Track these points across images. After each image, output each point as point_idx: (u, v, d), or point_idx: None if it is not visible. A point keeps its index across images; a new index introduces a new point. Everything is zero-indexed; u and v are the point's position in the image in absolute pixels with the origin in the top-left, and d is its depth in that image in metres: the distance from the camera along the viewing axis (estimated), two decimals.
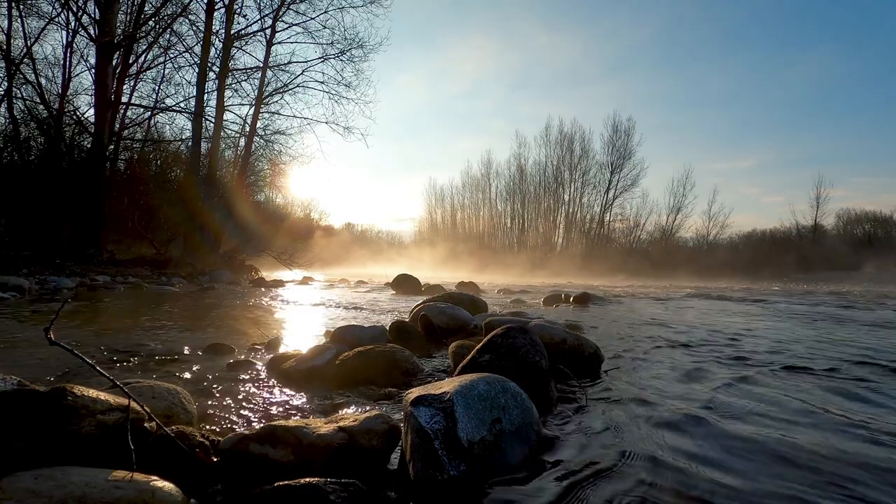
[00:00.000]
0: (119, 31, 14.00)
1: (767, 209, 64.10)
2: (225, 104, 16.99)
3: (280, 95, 18.73)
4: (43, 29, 14.93)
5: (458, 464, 1.16)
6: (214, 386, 2.04)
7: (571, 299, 7.82)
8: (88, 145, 14.41)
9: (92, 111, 14.24)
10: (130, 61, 15.30)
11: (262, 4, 17.55)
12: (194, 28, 16.94)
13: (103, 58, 13.10)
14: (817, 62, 67.59)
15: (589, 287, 14.23)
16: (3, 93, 14.18)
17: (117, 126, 15.85)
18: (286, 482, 1.07)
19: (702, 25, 73.70)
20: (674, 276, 32.88)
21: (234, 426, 1.57)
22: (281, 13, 17.76)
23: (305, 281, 15.32)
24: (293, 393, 1.98)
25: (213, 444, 1.25)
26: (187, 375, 2.23)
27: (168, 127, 21.30)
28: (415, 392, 1.34)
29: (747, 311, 6.61)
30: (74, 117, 15.72)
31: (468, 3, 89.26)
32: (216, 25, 16.53)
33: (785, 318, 5.63)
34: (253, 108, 17.92)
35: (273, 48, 17.89)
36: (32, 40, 14.70)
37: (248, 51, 22.17)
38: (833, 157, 59.59)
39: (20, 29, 14.54)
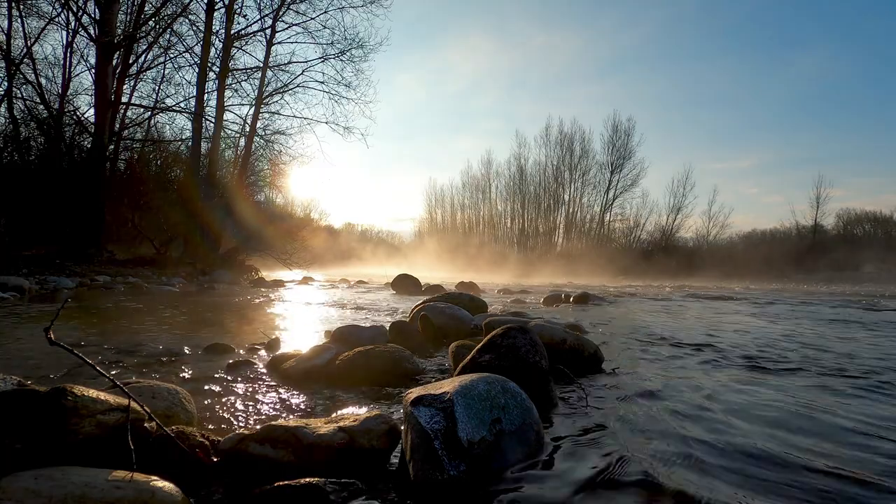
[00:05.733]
0: (119, 31, 13.98)
1: (767, 209, 64.11)
2: (225, 104, 16.99)
3: (280, 95, 18.72)
4: (43, 29, 14.95)
5: (458, 464, 1.16)
6: (214, 386, 2.04)
7: (571, 299, 7.82)
8: (88, 145, 14.40)
9: (92, 111, 14.24)
10: (130, 61, 15.28)
11: (262, 4, 17.56)
12: (194, 28, 16.95)
13: (103, 58, 13.08)
14: (817, 62, 67.60)
15: (589, 287, 14.23)
16: (3, 93, 14.18)
17: (117, 126, 15.84)
18: (286, 482, 1.07)
19: (701, 25, 73.66)
20: (674, 277, 32.87)
21: (234, 426, 1.57)
22: (281, 13, 17.76)
23: (305, 281, 15.32)
24: (293, 393, 1.98)
25: (213, 444, 1.25)
26: (187, 375, 2.23)
27: (168, 127, 21.25)
28: (415, 392, 1.34)
29: (746, 312, 6.61)
30: (74, 117, 15.73)
31: (465, 2, 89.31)
32: (216, 25, 16.54)
33: (784, 319, 5.62)
34: (253, 108, 17.92)
35: (273, 48, 17.89)
36: (32, 40, 14.71)
37: (248, 51, 22.19)
38: (833, 157, 59.58)
39: (20, 29, 14.56)
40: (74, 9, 13.76)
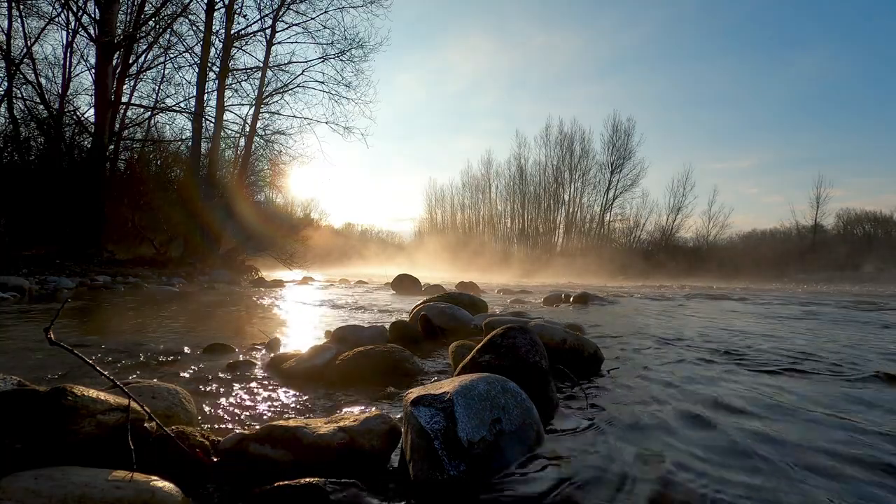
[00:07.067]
0: (119, 31, 13.98)
1: (767, 209, 64.15)
2: (225, 104, 16.99)
3: (280, 95, 18.73)
4: (43, 29, 14.95)
5: (458, 464, 1.16)
6: (214, 386, 2.04)
7: (571, 299, 7.82)
8: (88, 145, 14.41)
9: (92, 111, 14.25)
10: (130, 61, 15.29)
11: (262, 4, 17.57)
12: (194, 28, 16.96)
13: (103, 58, 13.08)
14: (817, 62, 67.62)
15: (589, 287, 14.23)
16: (3, 93, 14.18)
17: (117, 126, 15.83)
18: (286, 482, 1.07)
19: (701, 25, 73.80)
20: (674, 276, 32.88)
21: (234, 426, 1.57)
22: (281, 13, 17.77)
23: (305, 281, 15.32)
24: (293, 393, 1.98)
25: (213, 444, 1.25)
26: (187, 375, 2.23)
27: (168, 127, 21.23)
28: (415, 392, 1.34)
29: (747, 312, 6.61)
30: (74, 117, 15.72)
31: (465, 2, 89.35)
32: (216, 25, 16.55)
33: (784, 319, 5.62)
34: (253, 108, 17.93)
35: (273, 48, 17.89)
36: (32, 40, 14.72)
37: (248, 51, 22.18)
38: (833, 157, 59.61)
39: (20, 29, 14.56)
40: (74, 9, 13.78)
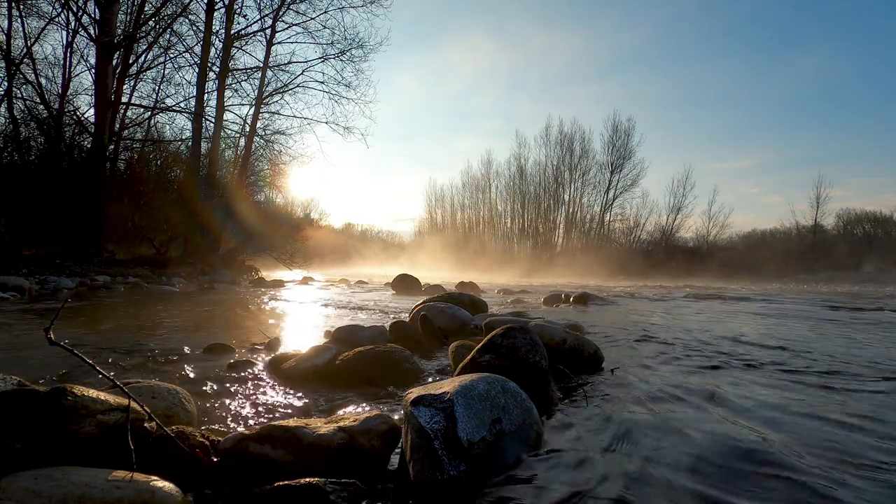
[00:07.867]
0: (119, 31, 13.96)
1: (767, 209, 64.01)
2: (225, 104, 16.98)
3: (280, 95, 18.71)
4: (43, 29, 14.93)
5: (458, 464, 1.16)
6: (214, 386, 2.04)
7: (571, 299, 7.82)
8: (88, 145, 14.40)
9: (92, 111, 14.23)
10: (130, 61, 15.27)
11: (262, 4, 17.55)
12: (194, 28, 16.94)
13: (103, 58, 13.08)
14: (817, 62, 67.54)
15: (589, 287, 14.22)
16: (3, 93, 14.18)
17: (117, 126, 15.81)
18: (286, 482, 1.07)
19: (701, 25, 73.65)
20: (674, 277, 32.87)
21: (234, 426, 1.57)
22: (281, 13, 17.75)
23: (305, 281, 15.32)
24: (293, 393, 1.98)
25: (213, 444, 1.25)
26: (187, 375, 2.23)
27: (168, 127, 21.19)
28: (415, 392, 1.34)
29: (747, 312, 6.61)
30: (74, 117, 15.72)
31: (465, 2, 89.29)
32: (216, 25, 16.53)
33: (784, 319, 5.62)
34: (253, 108, 17.90)
35: (273, 48, 17.87)
36: (32, 40, 14.70)
37: (248, 51, 22.12)
38: (833, 157, 59.47)
39: (20, 29, 14.55)
40: (74, 9, 13.76)
